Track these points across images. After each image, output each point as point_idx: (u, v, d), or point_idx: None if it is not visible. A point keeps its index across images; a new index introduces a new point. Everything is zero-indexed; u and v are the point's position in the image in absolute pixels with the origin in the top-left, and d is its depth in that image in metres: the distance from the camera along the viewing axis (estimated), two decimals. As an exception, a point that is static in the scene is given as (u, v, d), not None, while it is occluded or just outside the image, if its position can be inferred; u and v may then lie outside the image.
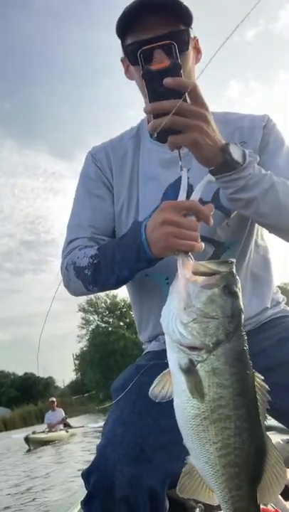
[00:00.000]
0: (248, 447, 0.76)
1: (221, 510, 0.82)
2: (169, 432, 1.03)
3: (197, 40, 1.19)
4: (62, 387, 59.79)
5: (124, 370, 1.26)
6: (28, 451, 12.55)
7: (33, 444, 12.96)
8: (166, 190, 1.21)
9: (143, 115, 1.31)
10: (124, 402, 1.12)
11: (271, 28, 76.95)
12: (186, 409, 0.76)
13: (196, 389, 0.74)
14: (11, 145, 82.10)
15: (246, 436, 0.76)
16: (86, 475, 1.03)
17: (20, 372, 63.63)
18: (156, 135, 0.88)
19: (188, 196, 0.93)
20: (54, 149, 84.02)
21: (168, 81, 0.87)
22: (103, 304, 45.22)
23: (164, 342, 0.81)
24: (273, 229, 1.14)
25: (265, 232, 1.32)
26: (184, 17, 1.09)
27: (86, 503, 1.02)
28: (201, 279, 0.77)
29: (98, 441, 1.11)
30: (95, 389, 41.32)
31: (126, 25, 1.10)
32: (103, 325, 44.22)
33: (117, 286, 1.15)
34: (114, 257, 1.07)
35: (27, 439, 13.04)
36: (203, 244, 0.87)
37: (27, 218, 79.86)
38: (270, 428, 3.01)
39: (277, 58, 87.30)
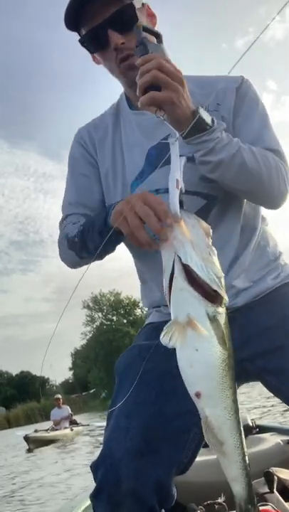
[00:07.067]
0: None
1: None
2: (174, 419, 1.08)
3: (148, 7, 1.23)
4: (55, 387, 59.40)
5: (127, 351, 1.26)
6: (28, 450, 11.97)
7: (34, 443, 12.27)
8: (148, 153, 1.24)
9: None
10: (127, 391, 1.11)
11: (260, 38, 76.23)
12: (216, 353, 0.83)
13: (224, 336, 0.83)
14: (0, 144, 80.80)
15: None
16: (94, 468, 1.06)
17: (14, 371, 64.05)
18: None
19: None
20: (45, 149, 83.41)
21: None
22: (107, 302, 45.25)
23: (167, 313, 0.87)
24: (241, 193, 1.17)
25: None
26: None
27: (94, 496, 1.05)
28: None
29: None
30: (98, 386, 41.28)
31: (75, 21, 1.18)
32: (107, 322, 44.24)
33: (101, 253, 1.11)
34: (93, 224, 1.14)
35: (27, 439, 12.37)
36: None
37: (16, 218, 79.26)
38: (271, 429, 2.84)
39: (266, 67, 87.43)
